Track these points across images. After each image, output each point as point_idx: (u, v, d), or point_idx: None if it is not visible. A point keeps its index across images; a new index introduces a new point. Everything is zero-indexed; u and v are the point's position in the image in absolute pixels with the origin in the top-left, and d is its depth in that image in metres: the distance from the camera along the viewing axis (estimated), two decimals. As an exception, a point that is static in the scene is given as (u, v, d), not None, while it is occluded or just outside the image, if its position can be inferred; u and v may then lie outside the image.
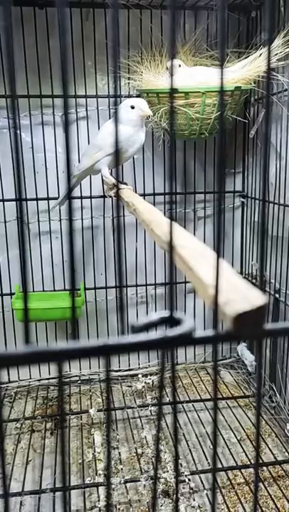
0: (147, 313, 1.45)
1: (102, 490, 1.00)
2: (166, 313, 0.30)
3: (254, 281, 1.36)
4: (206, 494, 0.99)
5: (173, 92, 0.30)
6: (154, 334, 0.28)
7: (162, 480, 1.01)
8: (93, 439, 1.17)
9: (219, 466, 1.06)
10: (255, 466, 0.33)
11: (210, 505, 0.96)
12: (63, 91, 0.27)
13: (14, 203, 1.28)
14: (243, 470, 1.05)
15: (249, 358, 1.40)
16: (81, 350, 0.26)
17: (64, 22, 0.27)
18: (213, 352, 0.32)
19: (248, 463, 1.07)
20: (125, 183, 1.11)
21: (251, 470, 1.04)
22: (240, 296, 0.30)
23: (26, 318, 0.26)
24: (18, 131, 1.28)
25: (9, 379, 1.39)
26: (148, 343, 0.27)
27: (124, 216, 1.35)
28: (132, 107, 1.02)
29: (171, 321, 0.30)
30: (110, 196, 1.22)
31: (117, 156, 0.32)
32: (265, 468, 1.05)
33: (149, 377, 1.38)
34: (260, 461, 1.07)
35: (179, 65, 1.13)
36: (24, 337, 0.26)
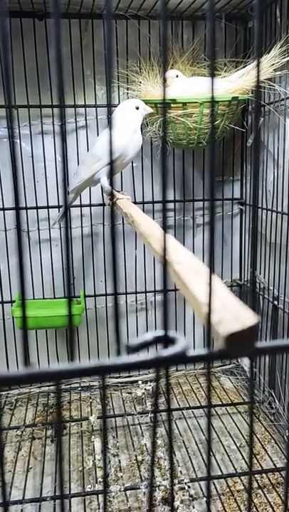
0: (147, 319, 1.45)
1: (102, 497, 1.00)
2: (160, 333, 0.31)
3: (252, 287, 1.37)
4: (206, 501, 0.99)
5: (165, 103, 0.31)
6: (149, 354, 0.29)
7: (162, 487, 1.02)
8: (93, 447, 1.17)
9: (219, 473, 1.06)
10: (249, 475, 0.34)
11: (209, 512, 0.96)
12: (60, 101, 0.28)
13: (14, 211, 1.29)
14: (242, 477, 1.06)
15: (249, 364, 1.41)
16: (78, 371, 0.27)
17: (58, 32, 0.28)
18: (208, 370, 0.32)
19: (248, 470, 1.07)
20: (123, 193, 1.12)
21: (250, 477, 1.05)
22: (233, 315, 0.31)
23: (26, 345, 0.27)
24: (18, 141, 1.29)
25: (10, 386, 1.40)
26: (143, 363, 0.28)
27: (123, 224, 1.37)
28: (137, 108, 1.07)
29: (166, 340, 0.31)
30: (109, 205, 1.23)
31: (111, 167, 0.33)
32: (264, 475, 1.05)
33: (149, 383, 1.38)
34: (260, 468, 1.07)
35: (177, 76, 1.14)
36: (23, 359, 0.27)
